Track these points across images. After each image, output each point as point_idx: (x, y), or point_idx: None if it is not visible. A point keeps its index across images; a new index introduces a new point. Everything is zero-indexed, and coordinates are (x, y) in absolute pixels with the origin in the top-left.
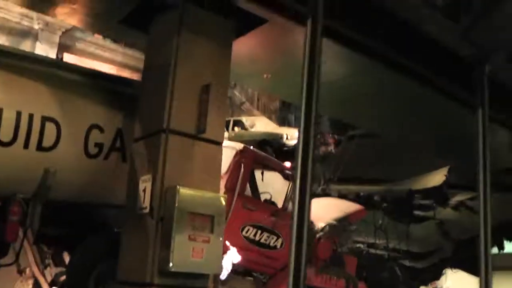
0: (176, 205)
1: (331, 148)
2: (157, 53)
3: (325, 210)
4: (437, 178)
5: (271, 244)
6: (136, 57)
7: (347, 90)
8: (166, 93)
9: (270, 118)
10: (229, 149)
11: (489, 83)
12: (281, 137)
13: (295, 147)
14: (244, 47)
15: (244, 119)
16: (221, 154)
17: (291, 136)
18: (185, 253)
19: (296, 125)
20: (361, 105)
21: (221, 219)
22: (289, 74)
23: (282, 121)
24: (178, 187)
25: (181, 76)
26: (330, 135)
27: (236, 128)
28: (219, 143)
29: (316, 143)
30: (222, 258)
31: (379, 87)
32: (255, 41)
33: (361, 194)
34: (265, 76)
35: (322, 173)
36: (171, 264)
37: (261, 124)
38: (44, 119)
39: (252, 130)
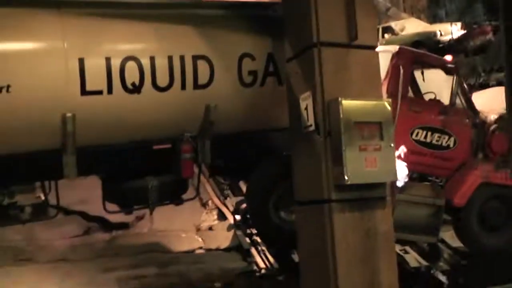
0: (341, 116)
1: (489, 36)
2: None
3: (494, 100)
4: None
5: (444, 144)
6: None
7: None
8: (310, 5)
9: (419, 18)
10: (385, 54)
11: None
12: (434, 34)
13: (451, 42)
14: None
15: (393, 24)
16: (378, 58)
17: (444, 31)
18: (358, 165)
19: (447, 19)
20: None
21: (389, 125)
22: None
23: (433, 19)
24: (340, 98)
25: None
26: (487, 23)
27: (386, 35)
28: (373, 47)
29: (473, 33)
30: (396, 164)
31: None
32: None
33: None
34: None
35: (481, 64)
36: (346, 178)
37: (411, 26)
38: (195, 58)
39: (403, 33)
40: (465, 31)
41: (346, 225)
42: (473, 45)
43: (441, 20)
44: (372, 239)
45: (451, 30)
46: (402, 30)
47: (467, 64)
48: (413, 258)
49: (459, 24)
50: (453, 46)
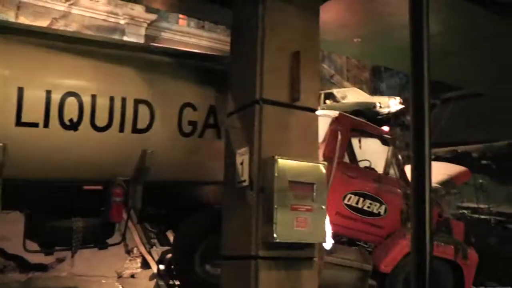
0: (276, 174)
1: None
2: (243, 26)
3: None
4: None
5: (375, 211)
6: (221, 39)
7: (448, 45)
8: (256, 63)
9: (361, 88)
10: (325, 118)
11: None
12: (374, 106)
13: (389, 114)
14: (332, 12)
15: (335, 91)
16: (317, 121)
17: (384, 104)
18: (288, 224)
19: (387, 94)
20: (463, 61)
21: (322, 187)
22: (380, 37)
23: (374, 91)
24: (276, 157)
25: (270, 46)
26: None
27: (327, 101)
28: (314, 110)
29: (407, 109)
30: (327, 227)
31: (482, 39)
32: (343, 5)
33: (458, 151)
34: (355, 40)
35: None
36: (275, 235)
37: (352, 95)
38: (137, 102)
39: (344, 101)
40: (403, 106)
41: (271, 283)
42: (410, 120)
43: (381, 93)
44: None
45: (390, 104)
46: (343, 98)
47: (402, 138)
48: None
49: (398, 98)
50: (391, 119)
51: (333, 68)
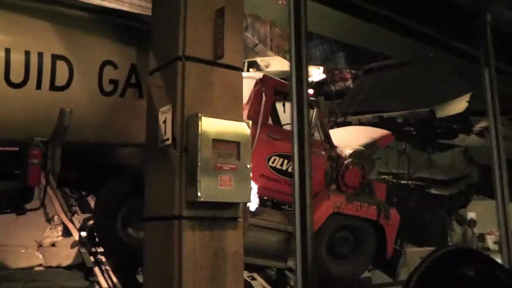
0: (200, 132)
1: (349, 83)
2: None
3: (351, 137)
4: (460, 105)
5: None
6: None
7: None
8: (179, 19)
9: (284, 58)
10: (249, 80)
11: (492, 33)
12: None
13: (312, 83)
14: None
15: (258, 59)
16: (242, 80)
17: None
18: (212, 182)
19: (310, 64)
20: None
21: (247, 146)
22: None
23: None
24: (200, 114)
25: (193, 1)
26: (347, 70)
27: (251, 70)
28: (238, 69)
29: (334, 78)
30: (251, 187)
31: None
32: None
33: (384, 116)
34: (280, 2)
35: (339, 108)
36: (199, 194)
37: (276, 64)
38: (55, 57)
39: (268, 70)
40: (327, 76)
41: (195, 243)
42: (333, 89)
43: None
44: (221, 259)
45: (313, 73)
46: (267, 66)
47: (326, 106)
48: (259, 285)
49: (321, 68)
50: (314, 88)
51: (257, 37)
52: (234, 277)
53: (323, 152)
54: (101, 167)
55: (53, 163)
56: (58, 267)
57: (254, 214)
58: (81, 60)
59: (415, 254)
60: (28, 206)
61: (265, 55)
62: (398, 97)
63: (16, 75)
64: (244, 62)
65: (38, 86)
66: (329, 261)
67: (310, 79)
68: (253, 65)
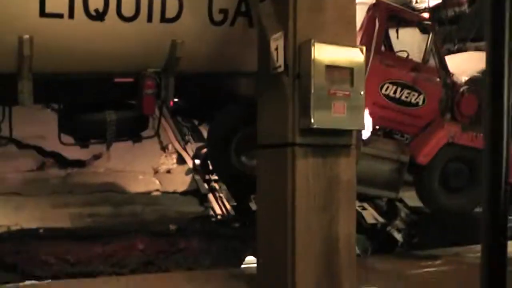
0: (312, 58)
1: (464, 8)
2: None
3: (467, 63)
4: None
5: (413, 101)
6: None
7: None
8: None
9: None
10: (362, 5)
11: None
12: (410, 1)
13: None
14: None
15: None
16: (355, 4)
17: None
18: (325, 109)
19: None
20: None
21: (361, 72)
22: None
23: None
24: (312, 40)
25: None
26: None
27: None
28: None
29: (447, 3)
30: (364, 114)
31: None
32: None
33: None
34: None
35: (456, 34)
36: (312, 121)
37: None
38: None
39: None
40: (441, 1)
41: (308, 170)
42: (448, 15)
43: None
44: (334, 187)
45: None
46: None
47: (441, 33)
48: (370, 215)
49: None
50: (430, 13)
51: None
52: (347, 205)
53: (438, 80)
54: (213, 96)
55: (166, 93)
56: (174, 192)
57: (366, 142)
58: None
59: None
60: (143, 134)
61: None
62: None
63: (128, 9)
64: None
65: (149, 19)
66: (441, 193)
67: (424, 4)
68: None
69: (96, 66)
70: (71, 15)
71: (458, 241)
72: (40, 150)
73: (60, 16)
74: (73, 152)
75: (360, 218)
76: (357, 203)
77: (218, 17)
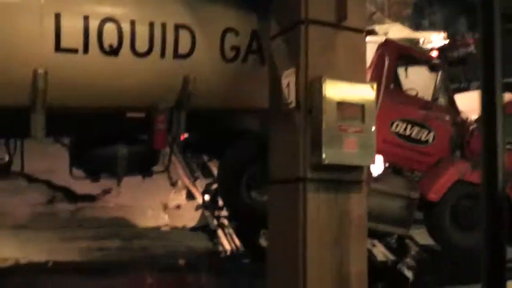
0: (324, 95)
1: (471, 49)
2: None
3: (477, 102)
4: None
5: (423, 138)
6: None
7: None
8: None
9: (403, 24)
10: (371, 44)
11: None
12: (417, 41)
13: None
14: None
15: (377, 27)
16: (365, 43)
17: (427, 40)
18: (337, 145)
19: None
20: None
21: (371, 109)
22: None
23: (416, 28)
24: (324, 77)
25: None
26: (469, 35)
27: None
28: (362, 31)
29: (455, 44)
30: (375, 149)
31: None
32: None
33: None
34: None
35: (463, 74)
36: (323, 156)
37: (394, 31)
38: (177, 27)
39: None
40: (448, 41)
41: (320, 205)
42: (455, 55)
43: (424, 29)
44: (345, 223)
45: (433, 39)
46: (385, 34)
47: (448, 72)
48: (380, 252)
49: (442, 34)
50: (436, 53)
51: (374, 5)
52: (358, 240)
53: (448, 117)
54: (224, 132)
55: (177, 128)
56: (183, 228)
57: (376, 179)
58: (203, 28)
59: None
60: (153, 169)
61: (382, 23)
62: None
63: (141, 45)
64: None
65: (162, 54)
66: (452, 231)
67: (431, 45)
68: (371, 33)
69: (109, 101)
70: (85, 50)
71: (470, 279)
72: (49, 184)
73: (75, 51)
74: (83, 187)
75: (370, 255)
76: (367, 240)
77: (230, 54)
